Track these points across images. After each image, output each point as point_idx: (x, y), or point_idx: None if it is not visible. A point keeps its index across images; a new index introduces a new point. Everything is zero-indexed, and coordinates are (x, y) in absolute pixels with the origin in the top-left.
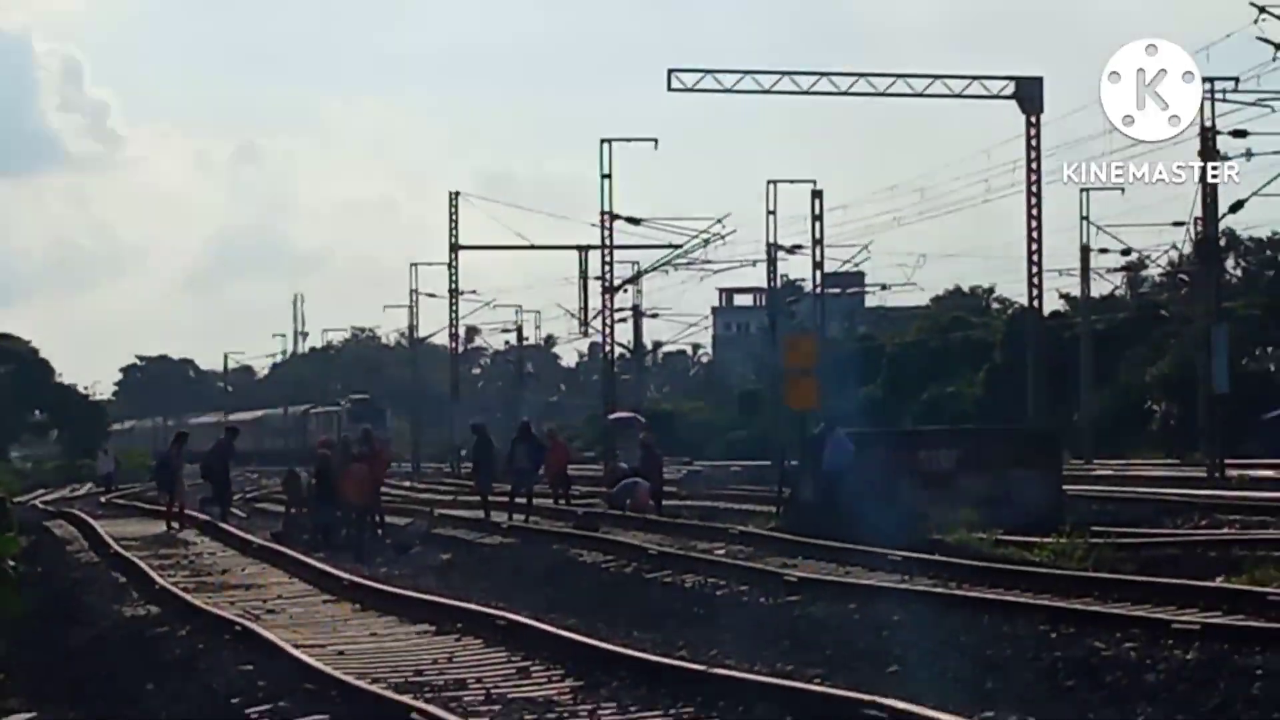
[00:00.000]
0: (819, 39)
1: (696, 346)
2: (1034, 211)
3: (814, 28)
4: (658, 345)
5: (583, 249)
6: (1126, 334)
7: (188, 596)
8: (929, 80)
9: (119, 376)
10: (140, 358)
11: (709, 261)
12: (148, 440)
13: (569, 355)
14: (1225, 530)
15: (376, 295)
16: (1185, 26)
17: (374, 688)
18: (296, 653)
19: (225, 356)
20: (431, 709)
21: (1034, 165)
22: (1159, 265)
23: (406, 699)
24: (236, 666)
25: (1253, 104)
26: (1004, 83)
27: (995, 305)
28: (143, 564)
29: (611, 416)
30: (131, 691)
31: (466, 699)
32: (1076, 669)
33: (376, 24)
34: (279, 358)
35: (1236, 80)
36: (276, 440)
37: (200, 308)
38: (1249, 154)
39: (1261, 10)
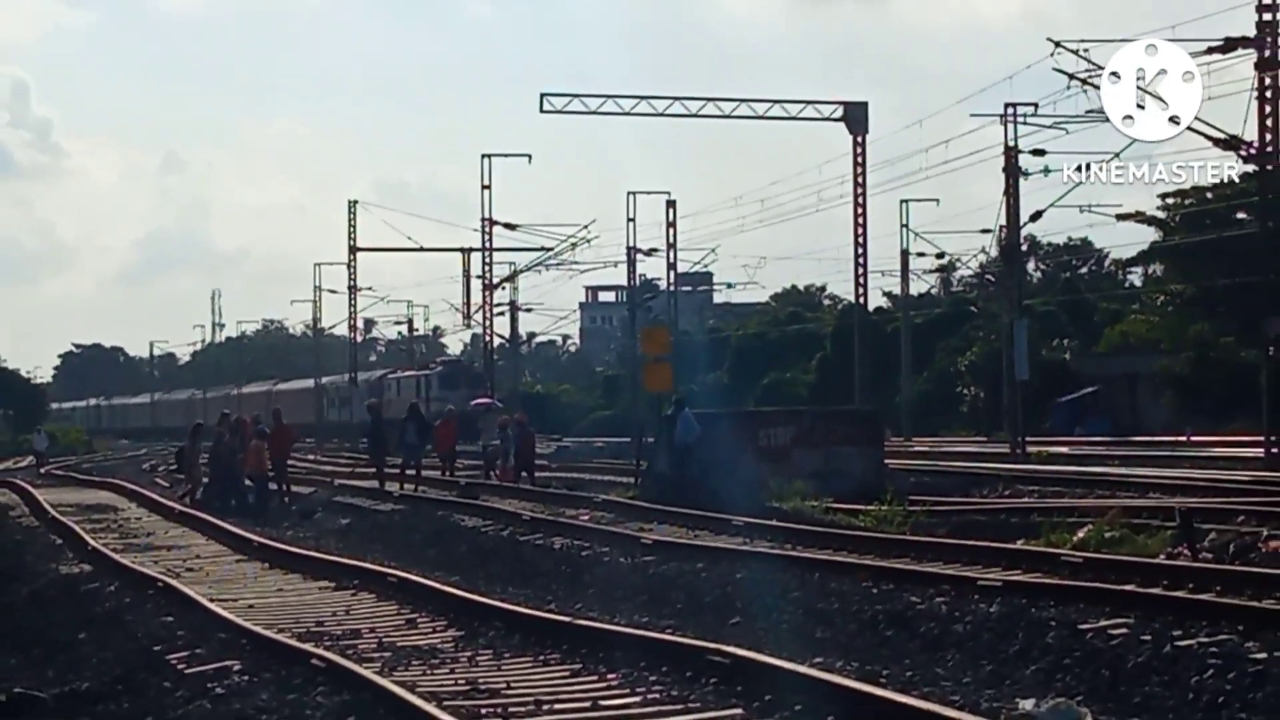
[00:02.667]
0: (678, 66)
1: (565, 337)
2: (860, 220)
3: (672, 55)
4: (532, 336)
5: (466, 251)
6: (941, 327)
7: (116, 556)
8: (769, 104)
9: (58, 362)
10: (76, 345)
11: (577, 262)
12: (85, 420)
13: (454, 345)
14: (1025, 499)
15: (285, 291)
16: (993, 59)
17: (279, 637)
18: (211, 606)
19: (151, 345)
20: (330, 655)
21: (860, 179)
22: (969, 267)
23: (308, 646)
24: (158, 618)
25: (1050, 126)
26: (834, 107)
27: (827, 302)
28: (77, 528)
29: (472, 403)
30: (65, 640)
31: (361, 646)
32: (895, 620)
33: (288, 50)
34: (198, 346)
35: (1036, 105)
36: (344, 411)
37: (129, 300)
38: (1047, 170)
39: (1057, 44)
